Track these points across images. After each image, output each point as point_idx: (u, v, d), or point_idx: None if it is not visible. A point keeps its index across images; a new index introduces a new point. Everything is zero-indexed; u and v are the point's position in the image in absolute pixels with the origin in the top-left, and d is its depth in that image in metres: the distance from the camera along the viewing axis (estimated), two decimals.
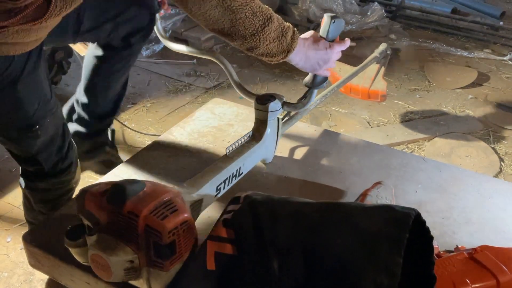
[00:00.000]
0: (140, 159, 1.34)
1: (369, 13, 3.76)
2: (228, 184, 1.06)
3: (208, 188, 0.99)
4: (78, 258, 0.84)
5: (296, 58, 1.09)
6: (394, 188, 1.18)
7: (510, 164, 2.27)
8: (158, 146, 1.39)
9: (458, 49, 3.49)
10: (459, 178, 1.28)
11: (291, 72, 3.09)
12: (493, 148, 2.36)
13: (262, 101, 1.19)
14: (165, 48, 3.37)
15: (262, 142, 1.18)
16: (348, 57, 3.48)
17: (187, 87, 2.91)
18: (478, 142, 2.40)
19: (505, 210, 1.18)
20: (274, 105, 1.19)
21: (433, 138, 2.42)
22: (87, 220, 0.80)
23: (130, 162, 1.33)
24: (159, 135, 2.44)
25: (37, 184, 1.34)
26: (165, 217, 0.74)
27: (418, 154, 2.31)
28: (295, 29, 1.06)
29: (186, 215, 0.78)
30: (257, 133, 1.19)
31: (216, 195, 1.03)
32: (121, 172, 1.27)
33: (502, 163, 2.27)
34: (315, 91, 1.21)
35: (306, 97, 1.22)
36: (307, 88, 1.21)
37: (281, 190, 1.20)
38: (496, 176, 2.17)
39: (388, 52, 1.99)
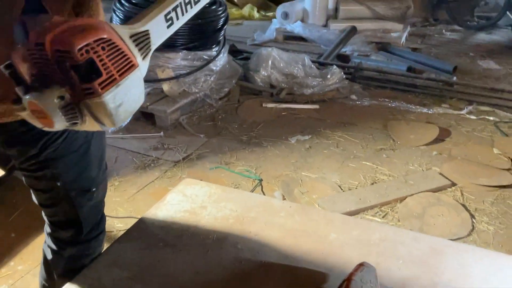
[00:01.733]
0: (112, 253, 1.27)
1: (329, 76, 3.89)
2: (182, 13, 0.97)
3: (155, 19, 0.91)
4: (30, 120, 0.80)
5: None
6: (377, 266, 1.15)
7: (481, 220, 2.30)
8: (130, 238, 1.34)
9: (417, 106, 3.61)
10: (438, 249, 1.27)
11: (259, 139, 3.11)
12: (463, 205, 2.39)
13: None
14: (131, 122, 3.37)
15: None
16: (313, 120, 3.54)
17: (155, 162, 2.87)
18: (448, 200, 2.43)
19: (487, 281, 1.17)
20: None
21: (404, 199, 2.44)
22: (10, 76, 0.75)
23: (102, 256, 1.27)
24: (128, 217, 2.38)
25: (68, 250, 1.38)
26: (73, 35, 0.70)
27: (392, 217, 2.32)
28: None
29: (103, 34, 0.73)
30: None
31: (168, 26, 0.94)
32: (91, 272, 1.20)
33: (473, 219, 2.30)
34: None
35: None
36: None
37: (261, 280, 1.16)
38: (469, 233, 2.19)
39: None
